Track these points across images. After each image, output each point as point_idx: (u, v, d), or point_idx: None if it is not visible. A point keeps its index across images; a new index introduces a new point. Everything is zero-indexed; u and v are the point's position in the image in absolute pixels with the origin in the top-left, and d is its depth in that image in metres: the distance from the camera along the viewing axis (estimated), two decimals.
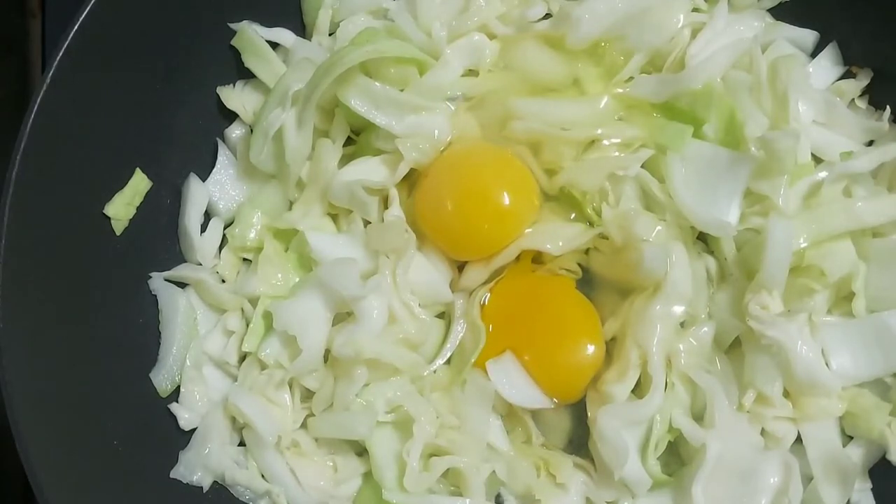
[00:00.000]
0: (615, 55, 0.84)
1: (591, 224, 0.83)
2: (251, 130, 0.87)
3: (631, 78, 0.84)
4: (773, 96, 0.82)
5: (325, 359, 0.82)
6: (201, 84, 0.87)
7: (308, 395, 0.83)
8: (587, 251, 0.85)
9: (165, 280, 0.85)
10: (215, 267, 0.87)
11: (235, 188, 0.88)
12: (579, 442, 0.84)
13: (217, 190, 0.88)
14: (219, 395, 0.83)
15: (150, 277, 0.84)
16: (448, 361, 0.84)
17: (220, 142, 0.89)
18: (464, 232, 0.83)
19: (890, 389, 0.79)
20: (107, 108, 0.79)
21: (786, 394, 0.79)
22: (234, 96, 0.88)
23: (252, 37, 0.86)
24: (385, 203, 0.85)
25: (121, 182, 0.82)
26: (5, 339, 0.71)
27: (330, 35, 0.89)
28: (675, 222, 0.81)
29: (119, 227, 0.82)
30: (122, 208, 0.82)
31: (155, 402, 0.82)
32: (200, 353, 0.84)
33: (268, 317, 0.82)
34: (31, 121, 0.73)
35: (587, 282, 0.85)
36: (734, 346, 0.82)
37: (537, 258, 0.85)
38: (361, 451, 0.83)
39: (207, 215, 0.88)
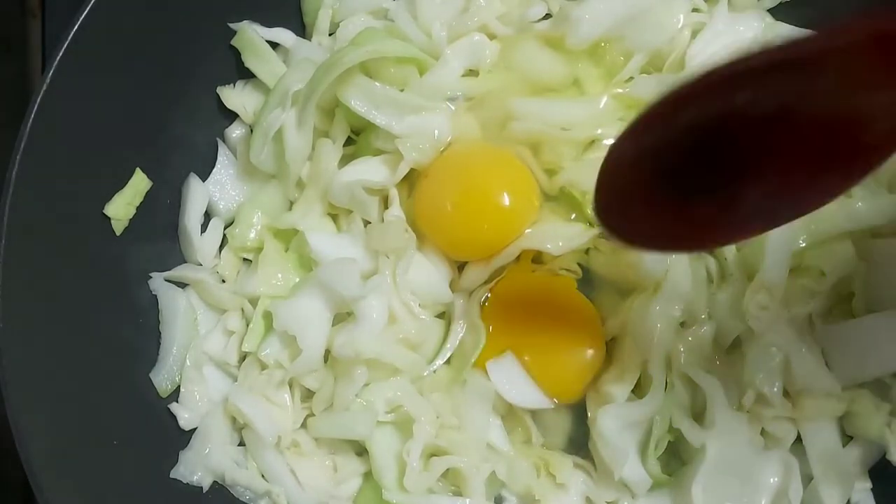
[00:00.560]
0: (615, 55, 0.84)
1: (591, 224, 0.83)
2: (251, 130, 0.87)
3: (631, 78, 0.84)
4: None
5: (325, 359, 0.82)
6: (201, 84, 0.87)
7: (308, 395, 0.83)
8: (587, 251, 0.84)
9: (165, 280, 0.85)
10: (215, 267, 0.87)
11: (235, 188, 0.88)
12: (579, 442, 0.84)
13: (217, 190, 0.88)
14: (219, 395, 0.83)
15: (151, 277, 0.84)
16: (448, 361, 0.84)
17: (219, 142, 0.89)
18: (464, 232, 0.83)
19: (889, 389, 0.79)
20: (107, 108, 0.79)
21: (785, 394, 0.79)
22: (235, 96, 0.88)
23: (252, 37, 0.86)
24: (385, 203, 0.85)
25: (121, 182, 0.82)
26: (5, 339, 0.71)
27: (330, 35, 0.89)
28: None
29: (119, 227, 0.82)
30: (122, 208, 0.82)
31: (155, 401, 0.82)
32: (200, 353, 0.84)
33: (268, 316, 0.82)
34: (31, 121, 0.73)
35: (587, 282, 0.85)
36: (734, 346, 0.81)
37: (537, 258, 0.85)
38: (361, 451, 0.83)
39: (207, 215, 0.88)
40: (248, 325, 0.84)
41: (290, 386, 0.83)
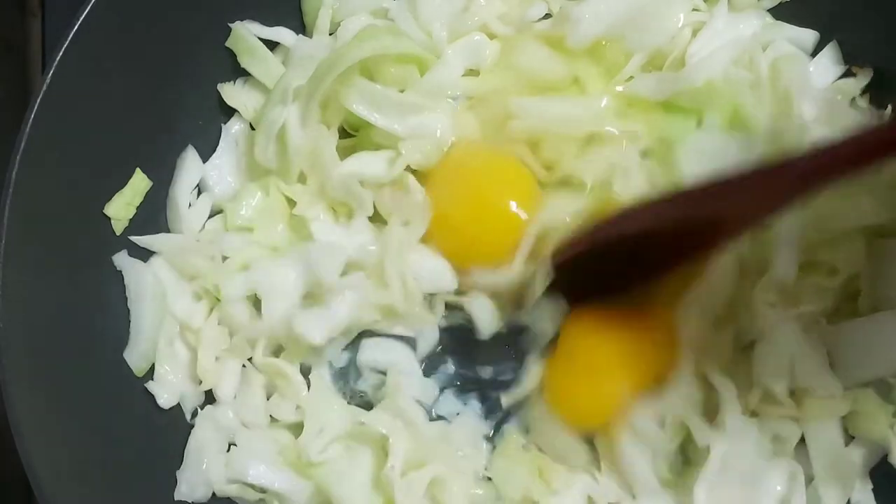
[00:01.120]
0: (615, 55, 0.84)
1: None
2: (251, 127, 0.87)
3: (631, 77, 0.84)
4: (774, 95, 0.82)
5: None
6: (202, 83, 0.87)
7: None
8: None
9: (132, 255, 0.83)
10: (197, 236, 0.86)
11: (233, 175, 0.88)
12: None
13: (215, 173, 0.87)
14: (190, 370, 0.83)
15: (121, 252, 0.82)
16: None
17: (223, 127, 0.88)
18: (469, 243, 0.83)
19: (893, 390, 0.78)
20: (107, 108, 0.79)
21: (790, 393, 0.79)
22: (236, 93, 0.88)
23: (246, 37, 0.86)
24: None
25: (121, 182, 0.82)
26: (5, 339, 0.71)
27: (330, 35, 0.89)
28: None
29: (119, 226, 0.82)
30: (122, 208, 0.82)
31: (155, 409, 0.82)
32: (173, 330, 0.83)
33: (243, 268, 0.83)
34: (31, 121, 0.73)
35: None
36: (745, 346, 0.81)
37: None
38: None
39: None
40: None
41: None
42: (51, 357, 0.75)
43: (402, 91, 0.84)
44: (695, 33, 0.86)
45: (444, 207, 0.83)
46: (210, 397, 0.83)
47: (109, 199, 0.81)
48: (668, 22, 0.84)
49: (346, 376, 0.85)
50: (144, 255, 0.84)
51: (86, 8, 0.75)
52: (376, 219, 0.85)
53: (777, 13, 0.87)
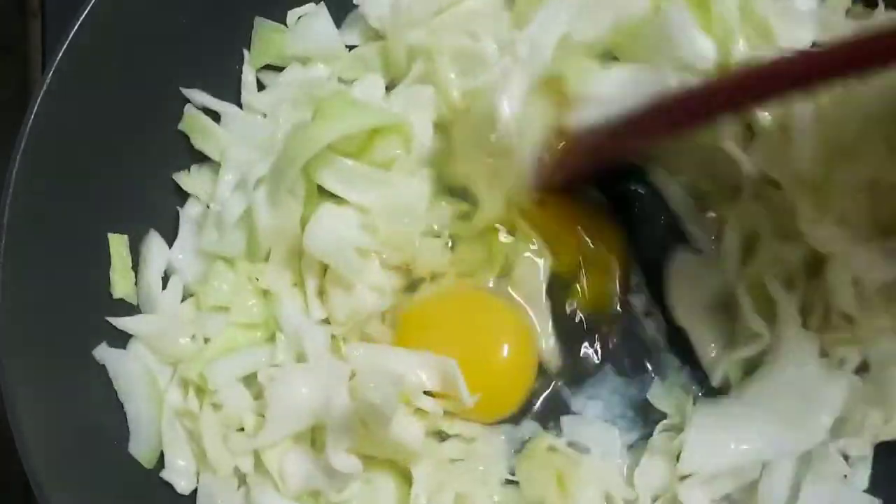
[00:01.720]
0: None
1: None
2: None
3: None
4: (751, 25, 0.79)
5: None
6: (203, 75, 0.86)
7: None
8: None
9: (113, 345, 0.80)
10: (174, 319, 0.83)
11: (198, 257, 0.85)
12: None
13: (181, 257, 0.85)
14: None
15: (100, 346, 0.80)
16: None
17: (180, 211, 0.86)
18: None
19: None
20: (107, 108, 0.79)
21: (847, 319, 0.77)
22: (191, 180, 0.85)
23: (197, 118, 0.84)
24: None
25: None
26: (5, 339, 0.71)
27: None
28: None
29: (134, 297, 0.82)
30: (124, 284, 0.81)
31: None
32: (171, 413, 0.80)
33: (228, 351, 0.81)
34: (31, 121, 0.73)
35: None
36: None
37: None
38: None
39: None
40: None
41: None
42: (51, 357, 0.75)
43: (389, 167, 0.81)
44: None
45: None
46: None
47: (110, 198, 0.81)
48: None
49: None
50: (123, 337, 0.81)
51: (86, 8, 0.75)
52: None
53: None
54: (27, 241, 0.74)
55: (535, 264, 0.82)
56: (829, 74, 0.62)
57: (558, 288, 0.83)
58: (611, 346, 0.84)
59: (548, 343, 0.83)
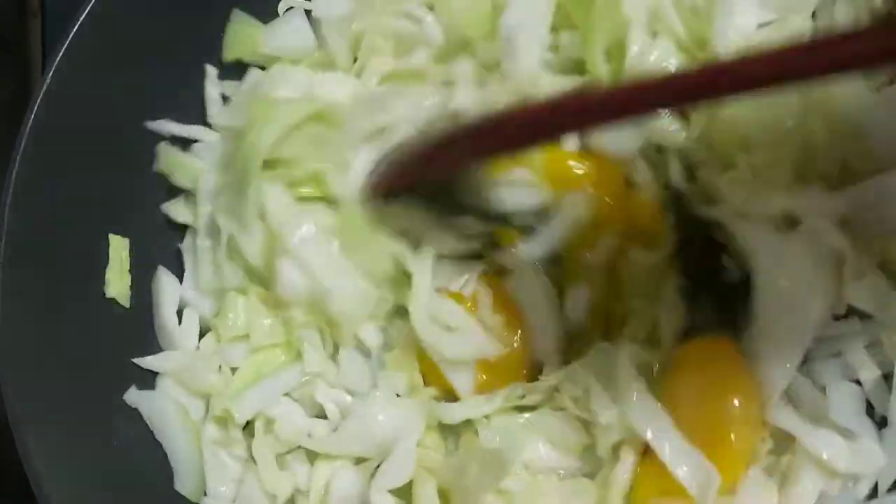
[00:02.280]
0: None
1: None
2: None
3: None
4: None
5: None
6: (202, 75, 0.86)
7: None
8: None
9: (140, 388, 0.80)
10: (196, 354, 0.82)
11: (209, 289, 0.83)
12: None
13: (191, 293, 0.83)
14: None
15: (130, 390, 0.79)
16: None
17: (181, 247, 0.84)
18: None
19: None
20: (107, 108, 0.79)
21: None
22: (180, 209, 0.84)
23: (173, 156, 0.83)
24: None
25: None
26: (5, 339, 0.71)
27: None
28: None
29: (126, 300, 0.81)
30: (118, 284, 0.81)
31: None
32: (209, 444, 0.79)
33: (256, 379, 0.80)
34: (31, 121, 0.73)
35: None
36: None
37: None
38: None
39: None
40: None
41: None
42: (51, 357, 0.75)
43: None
44: None
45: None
46: None
47: (110, 197, 0.81)
48: None
49: None
50: (150, 377, 0.81)
51: (86, 8, 0.75)
52: None
53: None
54: (27, 241, 0.74)
55: None
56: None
57: None
58: None
59: None
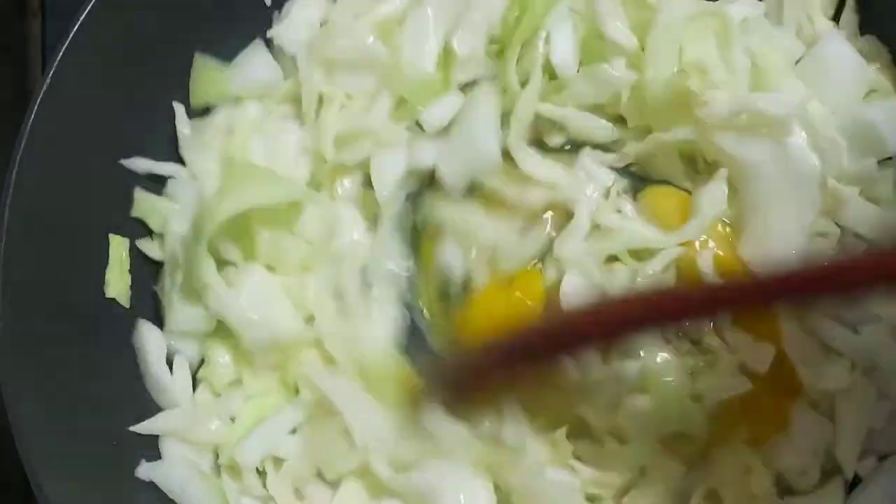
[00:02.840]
0: None
1: None
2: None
3: None
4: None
5: None
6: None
7: None
8: None
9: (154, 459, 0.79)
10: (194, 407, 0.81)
11: (191, 338, 0.82)
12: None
13: (175, 342, 0.82)
14: None
15: (140, 465, 0.78)
16: None
17: (157, 291, 0.83)
18: None
19: None
20: (107, 108, 0.79)
21: None
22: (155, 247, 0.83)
23: (148, 202, 0.83)
24: None
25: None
26: (5, 339, 0.71)
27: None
28: None
29: (125, 300, 0.81)
30: (118, 284, 0.80)
31: (154, 406, 0.82)
32: (230, 493, 0.79)
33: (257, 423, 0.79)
34: (31, 121, 0.73)
35: None
36: None
37: None
38: None
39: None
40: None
41: None
42: (51, 357, 0.75)
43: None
44: None
45: None
46: None
47: (110, 199, 0.81)
48: None
49: None
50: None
51: (86, 8, 0.75)
52: None
53: None
54: (27, 241, 0.74)
55: None
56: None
57: None
58: None
59: None
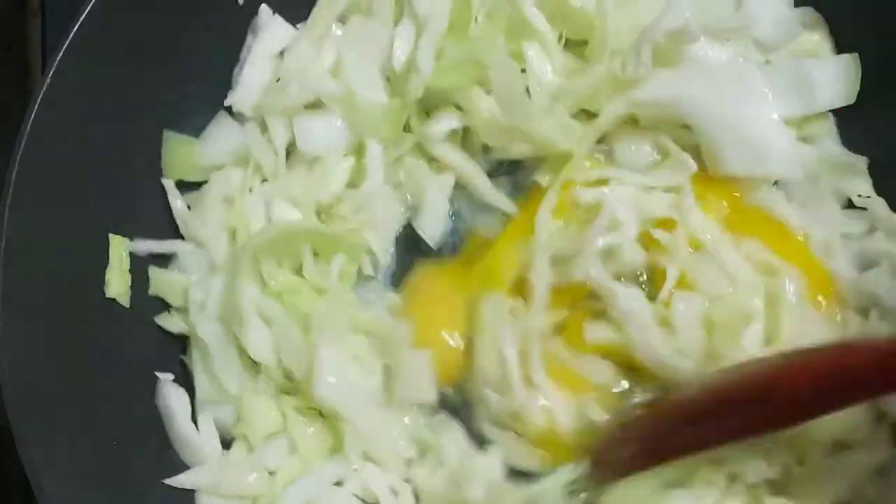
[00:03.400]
0: None
1: None
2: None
3: None
4: None
5: None
6: (203, 78, 0.86)
7: None
8: None
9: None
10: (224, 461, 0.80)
11: (219, 399, 0.81)
12: None
13: (204, 401, 0.81)
14: None
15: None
16: None
17: (185, 361, 0.83)
18: None
19: None
20: (107, 108, 0.79)
21: None
22: (173, 320, 0.84)
23: (160, 276, 0.83)
24: None
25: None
26: (5, 339, 0.71)
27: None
28: None
29: (125, 300, 0.81)
30: (118, 284, 0.80)
31: (153, 406, 0.82)
32: None
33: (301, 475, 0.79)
34: (31, 121, 0.73)
35: None
36: None
37: None
38: None
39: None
40: None
41: None
42: (51, 357, 0.75)
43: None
44: None
45: None
46: None
47: (110, 197, 0.81)
48: None
49: None
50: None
51: (86, 8, 0.75)
52: None
53: None
54: (27, 242, 0.73)
55: None
56: None
57: None
58: None
59: None
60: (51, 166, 0.75)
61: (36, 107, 0.74)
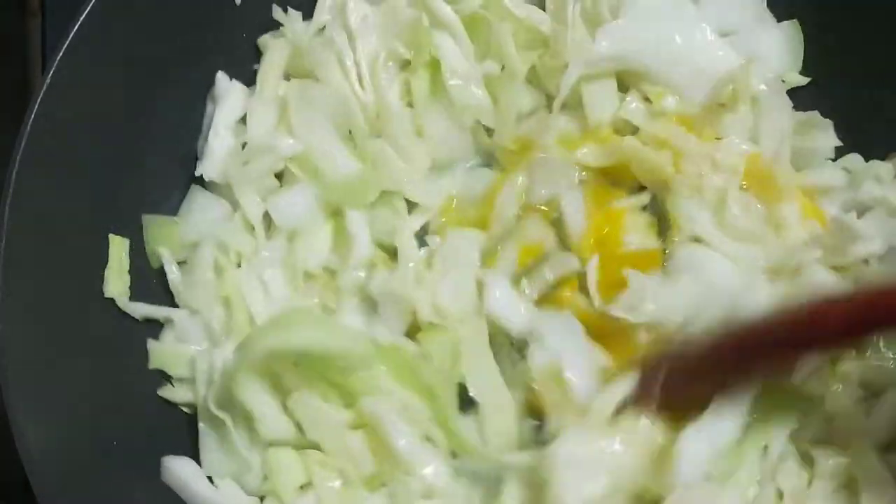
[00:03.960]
0: None
1: None
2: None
3: None
4: None
5: None
6: (204, 76, 0.87)
7: None
8: None
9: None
10: None
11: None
12: None
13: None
14: None
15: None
16: None
17: (200, 427, 0.79)
18: None
19: None
20: (107, 108, 0.79)
21: None
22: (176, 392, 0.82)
23: (160, 349, 0.82)
24: None
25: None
26: (5, 339, 0.71)
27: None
28: None
29: (125, 301, 0.81)
30: (118, 284, 0.80)
31: (155, 400, 0.82)
32: None
33: None
34: (31, 121, 0.73)
35: None
36: None
37: None
38: None
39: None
40: None
41: None
42: (51, 357, 0.75)
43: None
44: None
45: None
46: None
47: (110, 198, 0.81)
48: None
49: None
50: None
51: (86, 8, 0.75)
52: None
53: None
54: (27, 242, 0.74)
55: None
56: None
57: None
58: None
59: None
60: (51, 166, 0.75)
61: (36, 107, 0.74)
